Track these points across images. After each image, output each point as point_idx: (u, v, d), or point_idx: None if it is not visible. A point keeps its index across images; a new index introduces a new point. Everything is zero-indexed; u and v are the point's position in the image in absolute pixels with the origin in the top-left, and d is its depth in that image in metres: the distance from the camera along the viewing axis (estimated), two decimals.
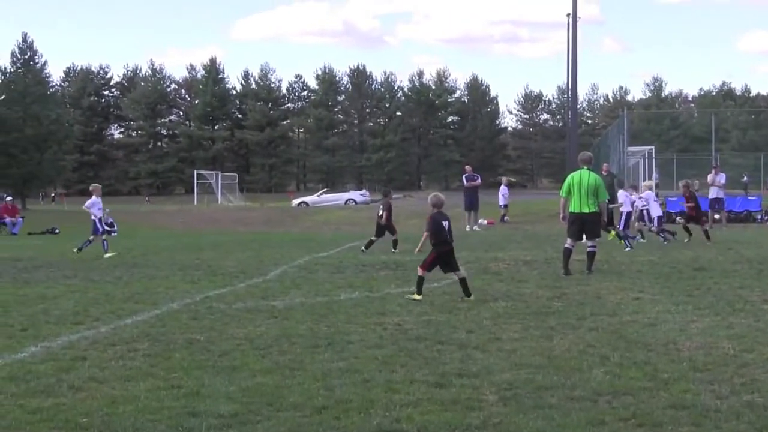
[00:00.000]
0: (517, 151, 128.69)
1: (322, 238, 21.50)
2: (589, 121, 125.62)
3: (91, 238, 21.07)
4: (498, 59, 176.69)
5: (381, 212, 21.31)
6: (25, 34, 70.95)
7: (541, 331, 9.38)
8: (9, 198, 39.88)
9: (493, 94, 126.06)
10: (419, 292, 11.99)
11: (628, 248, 19.93)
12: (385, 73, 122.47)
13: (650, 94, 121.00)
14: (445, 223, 12.27)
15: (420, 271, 12.20)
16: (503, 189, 36.64)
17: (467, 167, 33.46)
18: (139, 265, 18.17)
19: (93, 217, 21.10)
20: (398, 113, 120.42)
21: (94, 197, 21.33)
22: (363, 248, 20.64)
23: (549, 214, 24.87)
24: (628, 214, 22.85)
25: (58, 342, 9.01)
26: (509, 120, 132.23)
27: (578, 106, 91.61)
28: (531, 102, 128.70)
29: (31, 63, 70.94)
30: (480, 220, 32.32)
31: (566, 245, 15.13)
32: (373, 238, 21.04)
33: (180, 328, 9.81)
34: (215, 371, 7.53)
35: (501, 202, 36.17)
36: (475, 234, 28.35)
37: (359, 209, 51.48)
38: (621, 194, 23.77)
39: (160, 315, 10.83)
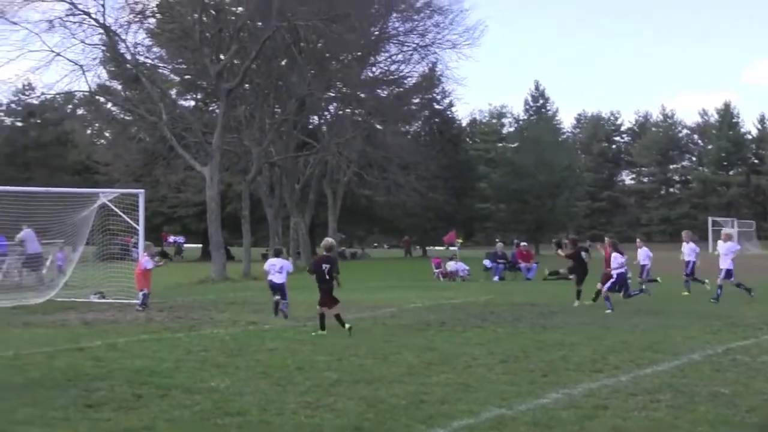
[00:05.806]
0: None
1: None
2: None
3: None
4: None
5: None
6: (537, 83, 74.81)
7: None
8: (523, 243, 41.58)
9: None
10: (322, 328, 14.39)
11: None
12: None
13: None
14: (325, 266, 14.49)
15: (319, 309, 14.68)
16: None
17: None
18: (655, 313, 18.06)
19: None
20: None
21: None
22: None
23: None
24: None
25: (579, 389, 9.22)
26: None
27: None
28: None
29: (543, 111, 74.09)
30: None
31: None
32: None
33: (702, 379, 9.60)
34: (742, 427, 7.27)
35: None
36: None
37: None
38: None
39: (680, 365, 10.69)
